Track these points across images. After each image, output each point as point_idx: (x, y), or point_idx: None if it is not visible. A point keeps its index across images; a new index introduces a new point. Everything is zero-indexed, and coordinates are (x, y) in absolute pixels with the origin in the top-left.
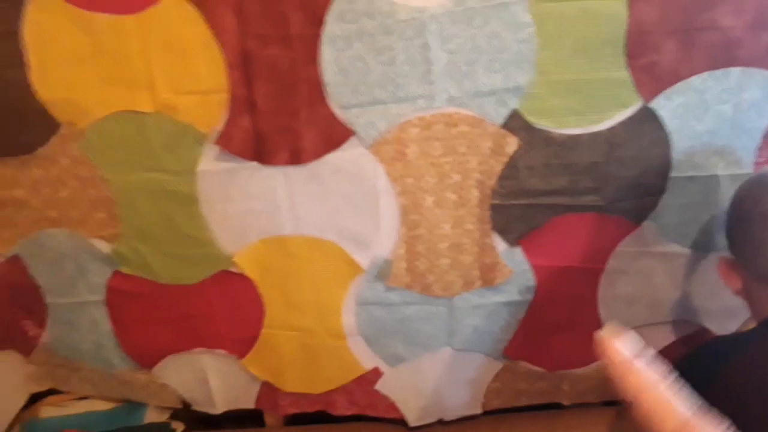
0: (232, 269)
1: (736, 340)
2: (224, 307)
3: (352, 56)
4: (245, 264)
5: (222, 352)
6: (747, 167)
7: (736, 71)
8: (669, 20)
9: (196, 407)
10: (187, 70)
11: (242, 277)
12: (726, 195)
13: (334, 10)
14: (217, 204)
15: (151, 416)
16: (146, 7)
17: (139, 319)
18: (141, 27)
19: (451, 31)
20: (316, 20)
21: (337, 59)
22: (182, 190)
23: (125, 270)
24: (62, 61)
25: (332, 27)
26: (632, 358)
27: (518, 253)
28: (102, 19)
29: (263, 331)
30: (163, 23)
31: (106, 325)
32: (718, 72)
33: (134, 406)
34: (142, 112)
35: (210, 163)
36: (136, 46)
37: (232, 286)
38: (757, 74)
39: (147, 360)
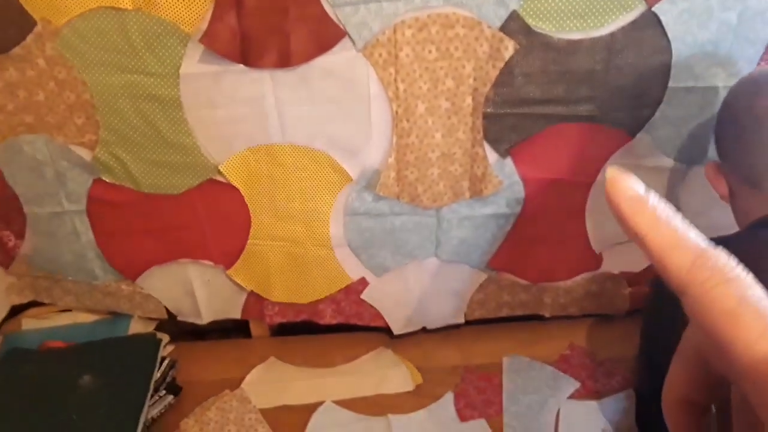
0: (218, 179)
1: (719, 243)
2: (210, 218)
3: None
4: (231, 173)
5: (208, 262)
6: None
7: None
8: None
9: (182, 318)
10: None
11: (228, 187)
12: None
13: None
14: (201, 110)
15: (136, 327)
16: None
17: (122, 229)
18: None
19: None
20: None
21: None
22: (165, 94)
23: (106, 178)
24: None
25: None
26: (645, 194)
27: (508, 164)
28: None
29: (250, 241)
30: None
31: (87, 235)
32: None
33: (118, 317)
34: (122, 9)
35: (194, 65)
36: None
37: (217, 196)
38: None
39: (131, 271)
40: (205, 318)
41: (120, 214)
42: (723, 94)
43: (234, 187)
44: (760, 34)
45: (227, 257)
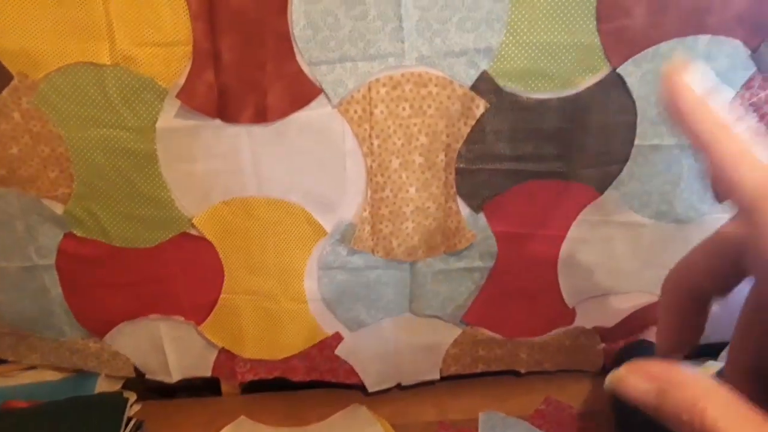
0: (192, 232)
1: None
2: (182, 272)
3: (322, 10)
4: (205, 226)
5: (179, 318)
6: None
7: (704, 39)
8: None
9: (150, 376)
10: (148, 21)
11: (202, 240)
12: (689, 165)
13: None
14: (177, 163)
15: (103, 386)
16: None
17: (92, 284)
18: None
19: None
20: None
21: (308, 12)
22: (141, 148)
23: (78, 232)
24: (16, 7)
25: None
26: (707, 95)
27: (481, 219)
28: None
29: (222, 296)
30: None
31: (56, 290)
32: (687, 39)
33: (84, 375)
34: (100, 64)
35: (170, 120)
36: None
37: (190, 250)
38: (725, 43)
39: (99, 327)
40: (175, 376)
41: (90, 268)
42: (687, 152)
43: (207, 241)
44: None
45: (199, 312)
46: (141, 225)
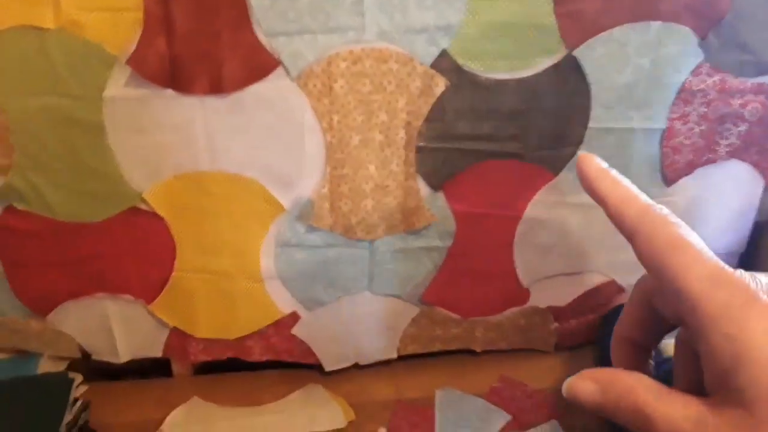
0: (142, 207)
1: None
2: (131, 248)
3: None
4: (156, 201)
5: (127, 296)
6: (661, 122)
7: (655, 25)
8: None
9: (97, 357)
10: None
11: (152, 216)
12: (639, 149)
13: None
14: (126, 135)
15: (45, 367)
16: None
17: (34, 260)
18: None
19: None
20: None
21: None
22: (87, 118)
23: (18, 205)
24: None
25: None
26: (607, 167)
27: (440, 198)
28: None
29: (174, 274)
30: None
31: None
32: (639, 24)
33: (26, 356)
34: (43, 29)
35: (119, 88)
36: None
37: (140, 226)
38: (676, 30)
39: (42, 306)
40: (123, 357)
41: (32, 244)
42: (638, 135)
43: (159, 217)
44: (672, 79)
45: (149, 291)
46: (87, 199)
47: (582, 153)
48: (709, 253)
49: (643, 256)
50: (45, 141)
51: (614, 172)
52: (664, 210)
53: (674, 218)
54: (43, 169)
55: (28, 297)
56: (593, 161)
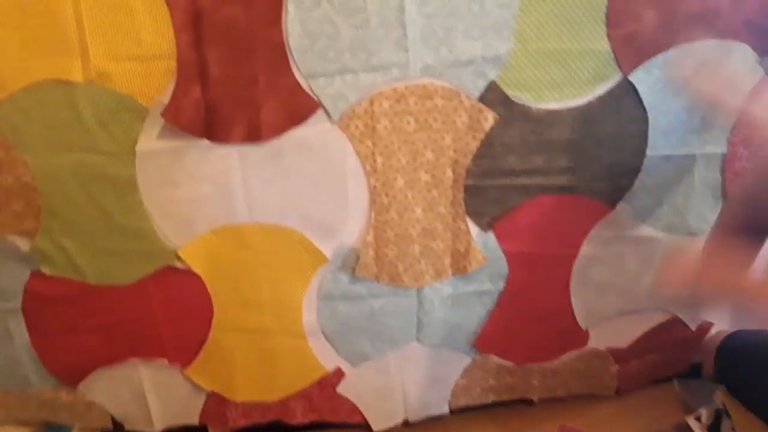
0: (177, 265)
1: None
2: (165, 310)
3: (320, 17)
4: (192, 258)
5: (162, 361)
6: (722, 146)
7: (713, 43)
8: None
9: (130, 427)
10: (127, 33)
11: (188, 274)
12: (701, 175)
13: None
14: (159, 189)
15: None
16: None
17: (63, 327)
18: None
19: None
20: None
21: (303, 20)
22: (118, 173)
23: (46, 270)
24: None
25: None
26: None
27: (491, 238)
28: None
29: (211, 334)
30: None
31: (22, 336)
32: (696, 44)
33: (55, 430)
34: (72, 82)
35: (152, 141)
36: (68, 6)
37: (175, 285)
38: (734, 47)
39: (72, 376)
40: (158, 426)
41: (60, 310)
42: (700, 161)
43: (194, 274)
44: (732, 100)
45: (184, 354)
46: (119, 259)
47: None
48: None
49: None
50: (74, 201)
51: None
52: None
53: None
54: (72, 230)
55: (57, 367)
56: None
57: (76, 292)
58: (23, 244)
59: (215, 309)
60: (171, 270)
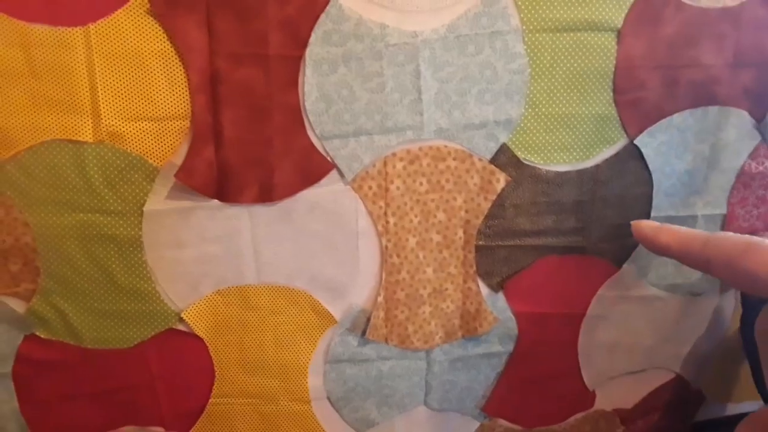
0: (179, 327)
1: None
2: (164, 376)
3: (337, 81)
4: (195, 321)
5: (158, 429)
6: (722, 207)
7: (714, 110)
8: (655, 55)
9: None
10: (141, 93)
11: (190, 337)
12: None
13: (319, 30)
14: (165, 250)
15: None
16: (97, 18)
17: (55, 394)
18: (88, 42)
19: (444, 59)
20: (298, 41)
21: (321, 84)
22: (123, 234)
23: (41, 333)
24: None
25: (316, 49)
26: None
27: (501, 299)
28: (42, 31)
29: (212, 400)
30: (115, 38)
31: (11, 403)
32: (698, 110)
33: None
34: (81, 142)
35: (160, 201)
36: (81, 65)
37: (176, 349)
38: (733, 113)
39: None
40: None
41: (54, 376)
42: (701, 222)
43: (197, 338)
44: (731, 163)
45: (182, 422)
46: (119, 322)
47: (633, 222)
48: None
49: (726, 276)
50: (75, 261)
51: (668, 225)
52: (725, 233)
53: (735, 234)
54: (71, 292)
55: None
56: (645, 222)
57: (71, 357)
58: (18, 306)
59: (217, 373)
60: (172, 333)
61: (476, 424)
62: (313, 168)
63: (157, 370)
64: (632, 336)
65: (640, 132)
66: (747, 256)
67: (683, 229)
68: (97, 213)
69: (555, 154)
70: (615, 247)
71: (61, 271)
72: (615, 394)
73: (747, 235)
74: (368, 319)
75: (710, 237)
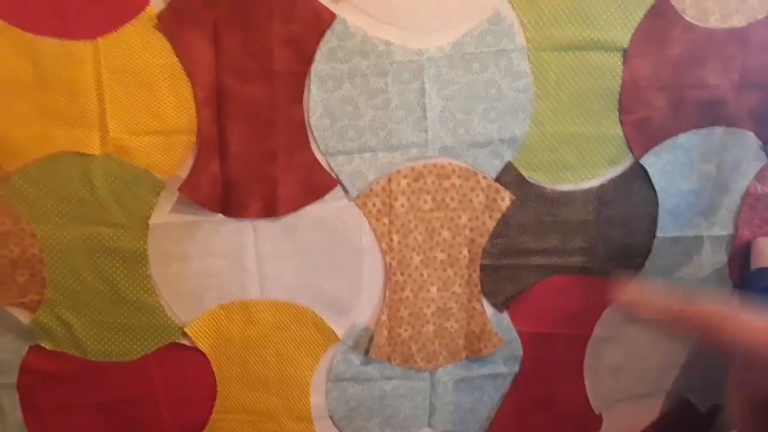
0: (182, 341)
1: None
2: (167, 389)
3: (341, 98)
4: (198, 335)
5: None
6: (729, 228)
7: (719, 130)
8: (662, 75)
9: None
10: (148, 107)
11: (193, 351)
12: (708, 256)
13: (325, 47)
14: (169, 264)
15: None
16: (105, 33)
17: (59, 405)
18: (96, 56)
19: (449, 76)
20: (304, 57)
21: (325, 100)
22: (129, 247)
23: (46, 345)
24: None
25: (321, 65)
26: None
27: (505, 319)
28: (51, 45)
29: (213, 416)
30: (123, 52)
31: (15, 414)
32: (704, 131)
33: None
34: (88, 155)
35: (165, 215)
36: (89, 78)
37: (179, 363)
38: (739, 134)
39: None
40: None
41: (58, 387)
42: (707, 243)
43: (199, 351)
44: (737, 184)
45: None
46: (122, 335)
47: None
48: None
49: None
50: (81, 273)
51: (645, 294)
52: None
53: (705, 309)
54: (77, 303)
55: None
56: (625, 298)
57: (75, 369)
58: (24, 317)
59: (219, 388)
60: (175, 347)
61: None
62: (317, 183)
63: (159, 383)
64: (639, 359)
65: (646, 152)
66: (719, 332)
67: (658, 300)
68: (103, 225)
69: (560, 174)
70: (621, 267)
71: (67, 283)
72: (622, 419)
73: (716, 308)
74: (371, 338)
75: (683, 313)
